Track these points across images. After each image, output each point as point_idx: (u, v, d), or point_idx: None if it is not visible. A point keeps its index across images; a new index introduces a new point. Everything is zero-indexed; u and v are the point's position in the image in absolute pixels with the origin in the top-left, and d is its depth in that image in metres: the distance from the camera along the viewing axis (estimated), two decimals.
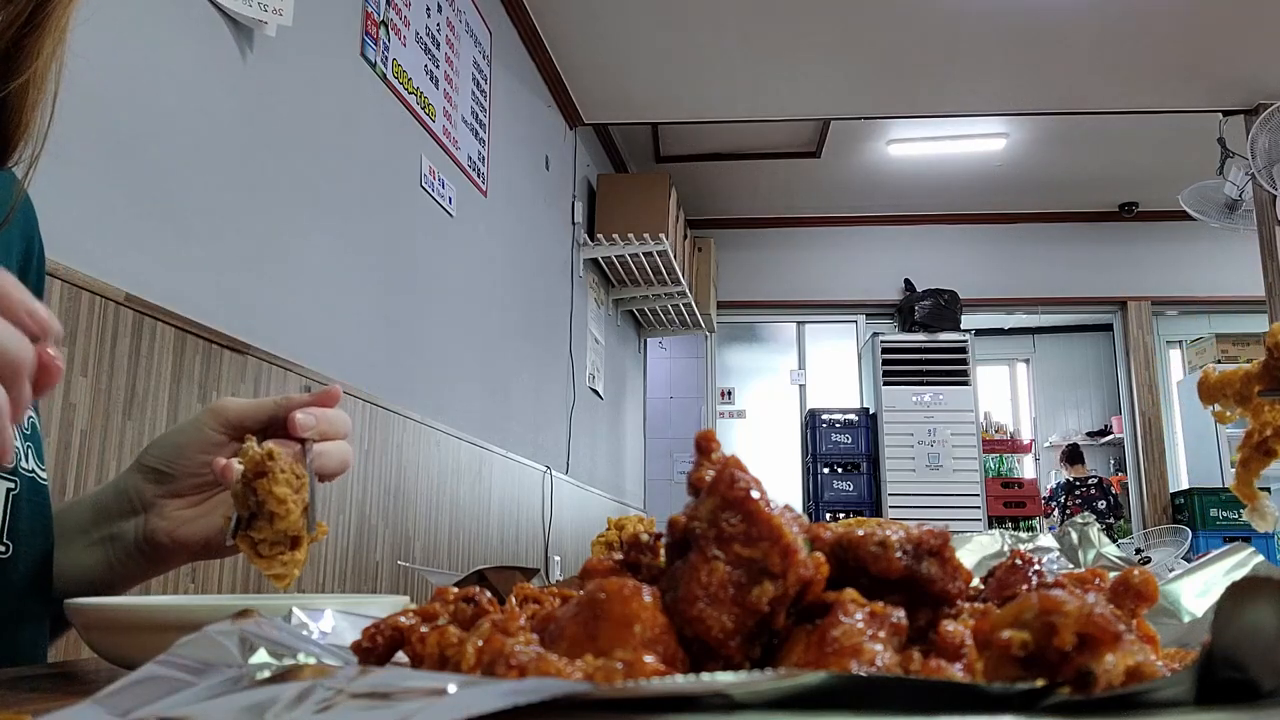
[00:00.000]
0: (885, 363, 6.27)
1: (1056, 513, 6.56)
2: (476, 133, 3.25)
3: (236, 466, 0.60)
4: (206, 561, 1.33)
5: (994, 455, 7.59)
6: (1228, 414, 0.59)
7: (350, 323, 2.32)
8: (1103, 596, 0.32)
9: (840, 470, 6.29)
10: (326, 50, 2.25)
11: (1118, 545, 1.02)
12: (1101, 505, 6.43)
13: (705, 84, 4.39)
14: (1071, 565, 0.87)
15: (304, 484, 0.57)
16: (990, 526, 6.07)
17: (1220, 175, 4.41)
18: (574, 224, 4.62)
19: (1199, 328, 7.10)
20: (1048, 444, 8.27)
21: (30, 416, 0.70)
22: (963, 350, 6.27)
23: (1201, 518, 6.00)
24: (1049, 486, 6.94)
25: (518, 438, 3.58)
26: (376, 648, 0.33)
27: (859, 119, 5.00)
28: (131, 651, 0.49)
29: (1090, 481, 6.52)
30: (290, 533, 0.55)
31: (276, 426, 0.65)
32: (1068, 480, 6.62)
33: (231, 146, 1.86)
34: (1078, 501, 6.39)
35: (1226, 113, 4.45)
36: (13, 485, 0.66)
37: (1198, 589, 0.51)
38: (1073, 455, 6.82)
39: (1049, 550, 0.88)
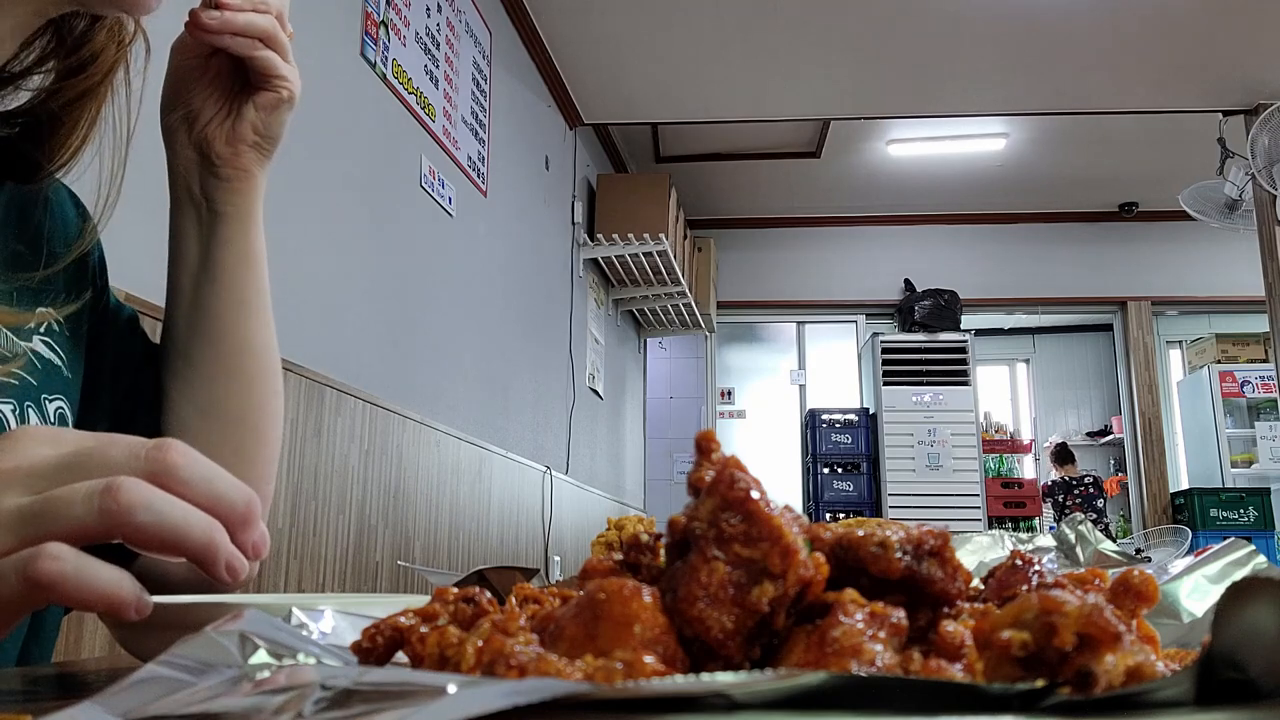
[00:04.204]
0: (885, 363, 6.27)
1: (1053, 510, 6.58)
2: (476, 133, 3.25)
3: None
4: None
5: (994, 455, 7.59)
6: None
7: (350, 323, 2.32)
8: (1103, 597, 0.32)
9: (840, 470, 6.29)
10: (326, 50, 2.25)
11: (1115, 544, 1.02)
12: (1100, 503, 6.47)
13: (705, 84, 4.39)
14: (1070, 563, 0.87)
15: None
16: (990, 527, 6.07)
17: (1220, 175, 4.41)
18: (574, 224, 4.62)
19: (1199, 328, 7.10)
20: (1047, 444, 8.28)
21: None
22: (963, 350, 6.27)
23: (1201, 518, 6.00)
24: (1044, 484, 6.96)
25: (518, 438, 3.58)
26: (376, 648, 0.33)
27: (859, 119, 5.00)
28: (136, 648, 0.49)
29: (1087, 480, 6.55)
30: None
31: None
32: (1063, 478, 6.63)
33: None
34: (1077, 500, 6.42)
35: (1226, 113, 4.45)
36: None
37: (1190, 588, 0.51)
38: (1063, 455, 6.86)
39: (1048, 550, 0.88)
